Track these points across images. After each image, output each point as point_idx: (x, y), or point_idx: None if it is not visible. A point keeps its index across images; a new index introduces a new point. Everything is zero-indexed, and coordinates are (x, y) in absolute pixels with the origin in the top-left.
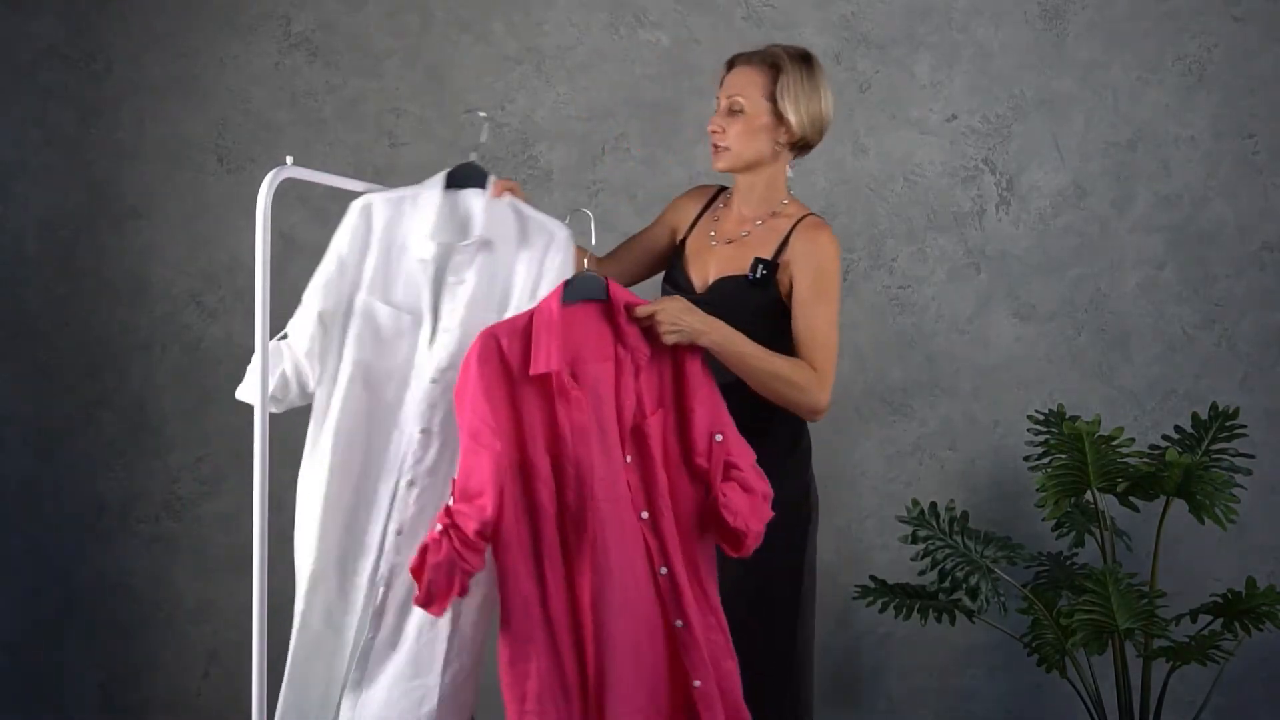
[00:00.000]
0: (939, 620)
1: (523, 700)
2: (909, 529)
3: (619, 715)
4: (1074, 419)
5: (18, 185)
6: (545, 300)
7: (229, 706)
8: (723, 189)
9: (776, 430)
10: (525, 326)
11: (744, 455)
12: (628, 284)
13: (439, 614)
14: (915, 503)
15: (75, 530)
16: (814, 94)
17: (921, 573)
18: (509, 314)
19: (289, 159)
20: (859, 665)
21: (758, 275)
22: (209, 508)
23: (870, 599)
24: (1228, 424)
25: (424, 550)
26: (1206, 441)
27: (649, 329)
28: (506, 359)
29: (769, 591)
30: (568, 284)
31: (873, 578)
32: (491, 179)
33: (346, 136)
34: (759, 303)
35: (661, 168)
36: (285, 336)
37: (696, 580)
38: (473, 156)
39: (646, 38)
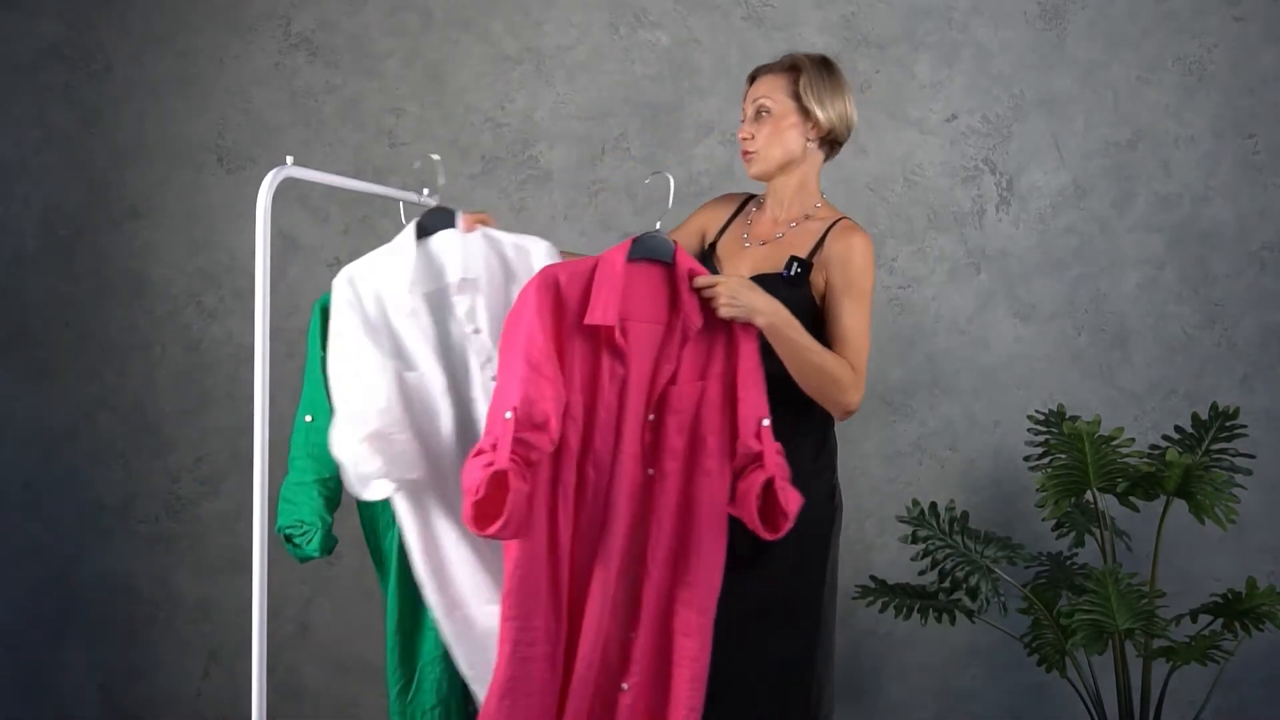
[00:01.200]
0: (939, 620)
1: (529, 617)
2: (909, 529)
3: (586, 646)
4: (1074, 419)
5: (18, 185)
6: (612, 252)
7: (229, 706)
8: (752, 196)
9: (805, 429)
10: (587, 273)
11: (779, 446)
12: None
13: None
14: (915, 503)
15: (75, 530)
16: (836, 92)
17: (921, 573)
18: None
19: (289, 159)
20: (859, 665)
21: (792, 272)
22: (209, 508)
23: (870, 599)
24: (1228, 424)
25: (501, 480)
26: (1206, 441)
27: (707, 300)
28: (563, 299)
29: (792, 593)
30: (637, 241)
31: (873, 578)
32: (460, 215)
33: (346, 136)
34: (792, 301)
35: (661, 168)
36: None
37: (682, 546)
38: (424, 194)
39: (646, 38)
